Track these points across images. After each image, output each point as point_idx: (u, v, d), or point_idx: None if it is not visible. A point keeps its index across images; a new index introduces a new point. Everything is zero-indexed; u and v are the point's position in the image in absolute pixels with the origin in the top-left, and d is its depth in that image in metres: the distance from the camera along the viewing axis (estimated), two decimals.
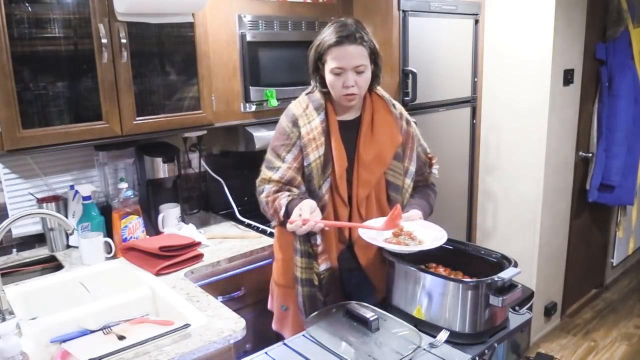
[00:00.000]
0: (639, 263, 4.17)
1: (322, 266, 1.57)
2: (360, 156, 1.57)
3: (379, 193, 1.60)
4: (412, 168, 1.64)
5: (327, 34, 1.52)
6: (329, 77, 1.53)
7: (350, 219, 1.59)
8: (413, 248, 1.39)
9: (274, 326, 1.74)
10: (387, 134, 1.60)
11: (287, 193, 1.53)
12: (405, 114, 1.68)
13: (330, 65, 1.51)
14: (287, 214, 1.47)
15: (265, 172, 1.60)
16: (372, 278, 1.61)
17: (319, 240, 1.55)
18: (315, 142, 1.54)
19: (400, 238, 1.43)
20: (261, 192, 1.59)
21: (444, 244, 1.55)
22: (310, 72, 1.60)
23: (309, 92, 1.64)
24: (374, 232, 1.45)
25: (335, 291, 1.61)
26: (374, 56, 1.54)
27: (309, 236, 1.54)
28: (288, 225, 1.40)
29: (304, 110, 1.58)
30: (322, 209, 1.53)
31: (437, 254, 1.54)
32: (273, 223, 1.66)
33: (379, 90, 1.65)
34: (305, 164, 1.55)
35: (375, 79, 1.59)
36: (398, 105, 1.68)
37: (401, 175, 1.62)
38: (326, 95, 1.60)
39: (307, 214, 1.39)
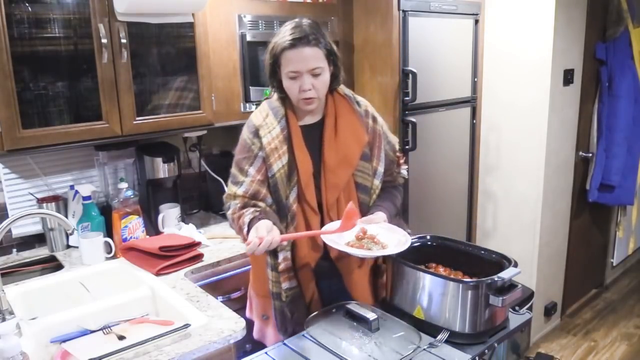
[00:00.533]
0: (639, 263, 4.17)
1: (285, 284, 1.51)
2: (325, 160, 1.52)
3: (348, 196, 1.54)
4: (381, 168, 1.58)
5: (281, 36, 1.45)
6: (285, 82, 1.47)
7: (322, 226, 1.52)
8: (375, 253, 1.36)
9: (255, 335, 1.69)
10: (352, 134, 1.54)
11: (252, 209, 1.46)
12: (372, 110, 1.61)
13: (285, 68, 1.45)
14: (249, 233, 1.40)
15: (230, 188, 1.54)
16: (351, 284, 1.55)
17: (280, 258, 1.50)
18: (277, 151, 1.48)
19: (364, 242, 1.39)
20: (228, 209, 1.53)
21: (443, 243, 1.56)
22: (267, 77, 1.53)
23: (268, 98, 1.58)
24: (336, 235, 1.40)
25: (301, 310, 1.54)
26: (332, 57, 1.49)
27: (276, 252, 1.50)
28: (246, 247, 1.32)
29: (264, 119, 1.52)
30: (292, 219, 1.49)
31: (437, 253, 1.54)
32: (240, 240, 1.60)
33: (342, 89, 1.59)
34: (269, 175, 1.49)
35: (335, 79, 1.53)
36: (363, 102, 1.61)
37: (369, 176, 1.56)
38: (285, 100, 1.54)
39: (263, 233, 1.31)
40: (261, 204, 1.49)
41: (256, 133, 1.51)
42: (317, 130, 1.55)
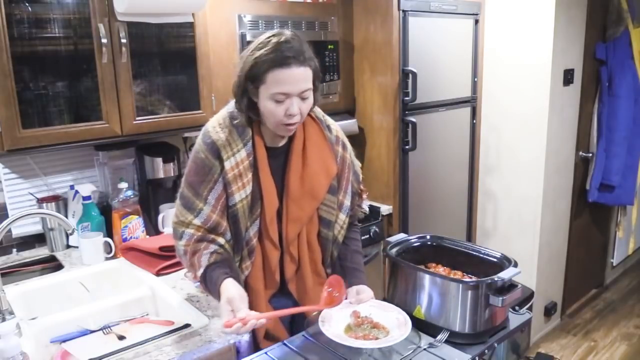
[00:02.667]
0: (639, 263, 4.17)
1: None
2: (290, 190, 1.36)
3: (310, 230, 1.42)
4: (347, 202, 1.46)
5: (266, 51, 1.23)
6: (267, 104, 1.26)
7: (281, 261, 1.42)
8: (386, 341, 1.23)
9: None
10: (321, 164, 1.39)
11: (210, 248, 1.31)
12: (342, 136, 1.48)
13: (271, 89, 1.24)
14: (205, 277, 1.30)
15: (183, 213, 1.34)
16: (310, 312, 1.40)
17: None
18: (241, 179, 1.31)
19: (364, 328, 1.29)
20: (179, 237, 1.34)
21: (443, 243, 1.55)
22: (236, 93, 1.31)
23: (232, 117, 1.35)
24: (332, 326, 1.27)
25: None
26: (316, 77, 1.31)
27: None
28: (226, 330, 1.15)
29: (226, 138, 1.32)
30: (250, 253, 1.37)
31: (437, 253, 1.54)
32: (188, 274, 1.50)
33: (314, 111, 1.43)
34: (229, 204, 1.33)
35: (313, 102, 1.35)
36: (334, 127, 1.47)
37: (334, 210, 1.44)
38: (251, 119, 1.35)
39: (242, 311, 1.16)
40: (220, 239, 1.33)
41: (217, 154, 1.32)
42: (281, 155, 1.39)
